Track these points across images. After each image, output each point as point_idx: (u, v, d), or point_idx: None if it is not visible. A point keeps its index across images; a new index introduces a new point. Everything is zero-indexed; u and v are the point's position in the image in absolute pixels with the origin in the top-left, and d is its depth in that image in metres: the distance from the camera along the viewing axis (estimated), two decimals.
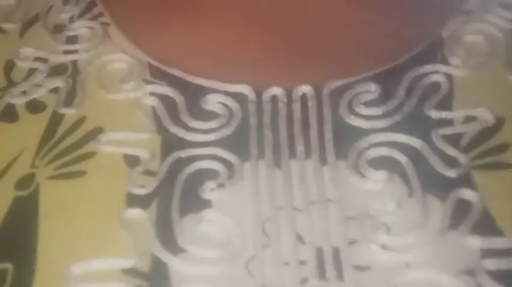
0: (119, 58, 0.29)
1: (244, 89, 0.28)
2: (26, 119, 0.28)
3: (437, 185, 0.26)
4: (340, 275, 0.24)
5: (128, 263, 0.24)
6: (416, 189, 0.25)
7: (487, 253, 0.24)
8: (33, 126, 0.28)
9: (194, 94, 0.28)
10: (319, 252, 0.24)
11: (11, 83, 0.29)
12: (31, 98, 0.29)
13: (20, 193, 0.26)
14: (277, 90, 0.28)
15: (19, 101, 0.29)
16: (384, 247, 0.24)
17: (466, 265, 0.24)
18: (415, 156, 0.26)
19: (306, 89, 0.28)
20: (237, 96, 0.28)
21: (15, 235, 0.25)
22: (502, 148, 0.27)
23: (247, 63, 0.29)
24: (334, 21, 0.30)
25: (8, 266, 0.24)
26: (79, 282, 0.23)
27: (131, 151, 0.27)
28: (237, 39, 0.29)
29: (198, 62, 0.29)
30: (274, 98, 0.28)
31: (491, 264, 0.24)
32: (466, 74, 0.29)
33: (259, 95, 0.28)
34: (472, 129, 0.27)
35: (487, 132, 0.27)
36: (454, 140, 0.27)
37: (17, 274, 0.24)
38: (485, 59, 0.29)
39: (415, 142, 0.27)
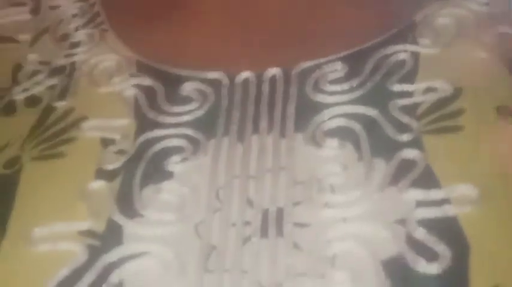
0: (111, 58, 0.32)
1: (219, 75, 0.30)
2: (22, 112, 0.31)
3: (385, 149, 0.26)
4: (280, 232, 0.24)
5: (84, 225, 0.25)
6: (365, 153, 0.26)
7: (422, 204, 0.24)
8: (28, 117, 0.30)
9: (173, 83, 0.30)
10: (265, 213, 0.25)
11: (16, 83, 0.32)
12: (30, 94, 0.31)
13: (6, 171, 0.28)
14: (248, 74, 0.29)
15: (19, 97, 0.31)
16: (326, 205, 0.25)
17: (400, 216, 0.24)
18: (370, 124, 0.27)
19: (275, 71, 0.29)
20: (212, 82, 0.29)
21: None
22: (456, 113, 0.27)
23: (222, 53, 0.31)
24: (309, 12, 0.31)
25: None
26: (39, 242, 0.25)
27: (108, 135, 0.29)
28: (214, 32, 0.31)
29: (180, 56, 0.31)
30: (245, 82, 0.29)
31: (423, 213, 0.24)
32: (433, 52, 0.29)
33: (232, 79, 0.29)
34: (430, 99, 0.27)
35: (444, 101, 0.27)
36: (410, 109, 0.27)
37: None
38: (454, 39, 0.30)
39: (372, 112, 0.27)
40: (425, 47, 0.29)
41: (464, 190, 0.24)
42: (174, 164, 0.27)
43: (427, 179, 0.25)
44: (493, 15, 0.31)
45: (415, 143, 0.26)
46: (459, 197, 0.24)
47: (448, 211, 0.24)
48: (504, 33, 0.30)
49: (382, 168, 0.25)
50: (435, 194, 0.24)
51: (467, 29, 0.30)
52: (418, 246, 0.23)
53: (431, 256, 0.23)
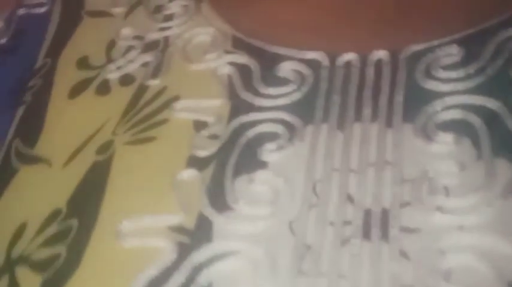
0: (206, 31, 0.30)
1: (319, 55, 0.27)
2: (116, 91, 0.30)
3: (510, 148, 0.23)
4: (384, 236, 0.22)
5: (174, 219, 0.24)
6: (486, 152, 0.23)
7: None
8: (121, 97, 0.29)
9: (270, 62, 0.28)
10: (367, 213, 0.23)
11: (109, 60, 0.31)
12: (124, 72, 0.30)
13: (99, 158, 0.27)
14: (351, 56, 0.27)
15: (113, 76, 0.30)
16: (439, 209, 0.22)
17: None
18: (491, 118, 0.24)
19: (382, 54, 0.27)
20: (311, 63, 0.27)
21: (87, 195, 0.26)
22: None
23: (324, 31, 0.28)
24: None
25: (74, 222, 0.25)
26: (127, 236, 0.24)
27: (201, 117, 0.27)
28: (315, 8, 0.29)
29: (278, 32, 0.29)
30: (347, 64, 0.27)
31: None
32: None
33: (332, 61, 0.27)
34: None
35: None
36: None
37: (79, 229, 0.25)
38: None
39: (494, 104, 0.24)
40: None
41: None
42: (268, 152, 0.25)
43: None
44: None
45: None
46: None
47: None
48: None
49: (506, 170, 0.22)
50: None
51: None
52: None
53: None
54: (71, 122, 0.29)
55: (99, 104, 0.29)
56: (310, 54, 0.27)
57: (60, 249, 0.25)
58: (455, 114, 0.24)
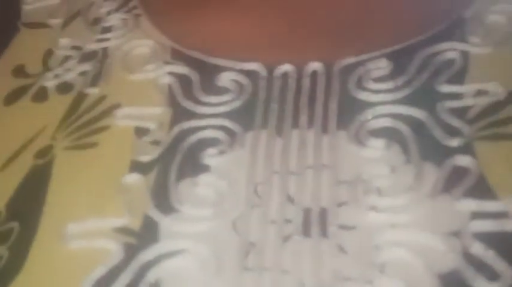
0: (145, 43, 0.31)
1: (257, 66, 0.29)
2: (54, 99, 0.30)
3: (435, 153, 0.25)
4: (323, 233, 0.23)
5: (120, 222, 0.24)
6: (414, 156, 0.25)
7: (477, 216, 0.23)
8: (59, 105, 0.29)
9: (209, 73, 0.29)
10: (307, 212, 0.24)
11: (46, 69, 0.31)
12: (62, 81, 0.30)
13: (38, 162, 0.27)
14: (288, 67, 0.28)
15: (51, 84, 0.30)
16: (372, 208, 0.24)
17: (454, 227, 0.23)
18: (417, 127, 0.26)
19: (316, 66, 0.28)
20: (249, 74, 0.29)
21: (27, 198, 0.26)
22: (509, 120, 0.25)
23: (262, 44, 0.29)
24: (355, 4, 0.30)
25: (15, 225, 0.25)
26: (73, 239, 0.24)
27: (142, 124, 0.28)
28: (254, 23, 0.30)
29: (217, 45, 0.30)
30: (284, 75, 0.28)
31: (479, 226, 0.23)
32: (483, 52, 0.28)
33: (270, 72, 0.28)
34: (481, 102, 0.26)
35: (497, 106, 0.26)
36: (460, 112, 0.26)
37: (21, 232, 0.25)
38: (505, 38, 0.28)
39: (420, 114, 0.26)
40: (475, 46, 0.28)
41: None
42: (210, 157, 0.26)
43: (482, 189, 0.23)
44: None
45: (467, 150, 0.25)
46: None
47: (507, 225, 0.23)
48: None
49: (433, 173, 0.24)
50: (491, 206, 0.23)
51: None
52: (476, 262, 0.22)
53: (491, 274, 0.22)
54: (6, 128, 0.29)
55: (36, 110, 0.30)
56: (249, 66, 0.29)
57: (1, 251, 0.24)
58: (385, 123, 0.26)
